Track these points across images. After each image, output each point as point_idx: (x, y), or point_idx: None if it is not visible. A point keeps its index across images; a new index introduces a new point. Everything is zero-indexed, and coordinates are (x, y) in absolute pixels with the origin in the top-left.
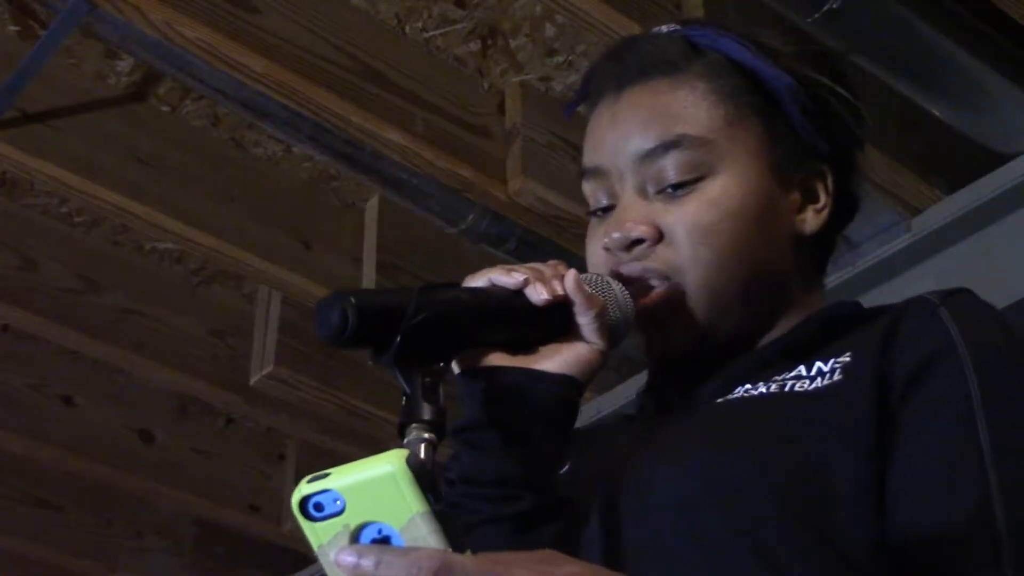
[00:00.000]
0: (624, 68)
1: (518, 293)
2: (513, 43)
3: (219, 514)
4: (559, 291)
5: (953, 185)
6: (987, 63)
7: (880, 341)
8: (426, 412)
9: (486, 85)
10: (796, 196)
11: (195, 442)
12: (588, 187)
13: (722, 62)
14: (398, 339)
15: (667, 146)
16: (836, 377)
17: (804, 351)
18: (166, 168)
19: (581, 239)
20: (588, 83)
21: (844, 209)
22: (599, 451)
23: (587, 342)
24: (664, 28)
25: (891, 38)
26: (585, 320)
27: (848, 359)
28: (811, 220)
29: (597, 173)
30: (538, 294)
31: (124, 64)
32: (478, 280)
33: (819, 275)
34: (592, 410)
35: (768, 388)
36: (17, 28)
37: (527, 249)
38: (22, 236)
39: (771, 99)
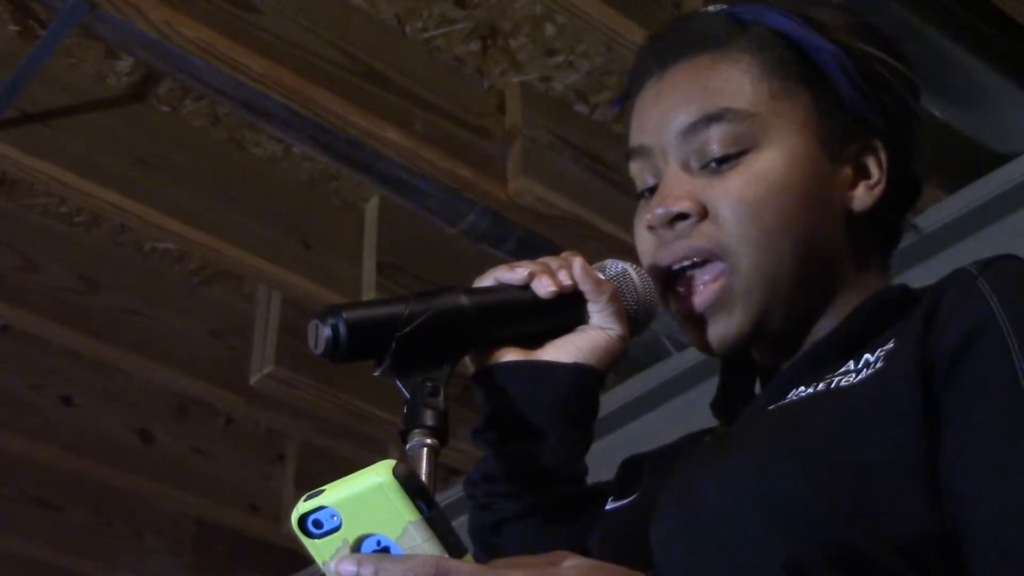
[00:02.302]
0: (668, 47)
1: (526, 288)
2: (513, 43)
3: (219, 514)
4: (566, 282)
5: (953, 185)
6: (987, 63)
7: (921, 321)
8: (428, 418)
9: (486, 85)
10: (848, 172)
11: (195, 442)
12: (634, 168)
13: (767, 35)
14: (392, 349)
15: (710, 119)
16: (879, 365)
17: (854, 345)
18: (166, 168)
19: (581, 239)
20: (634, 70)
21: (903, 188)
22: (669, 469)
23: (602, 329)
24: (710, 8)
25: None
26: (597, 307)
27: (892, 345)
28: (863, 197)
29: (642, 152)
30: (544, 287)
31: (124, 64)
32: (485, 280)
33: (880, 257)
34: None
35: (816, 388)
36: (17, 28)
37: (527, 249)
38: (22, 236)
39: (819, 71)
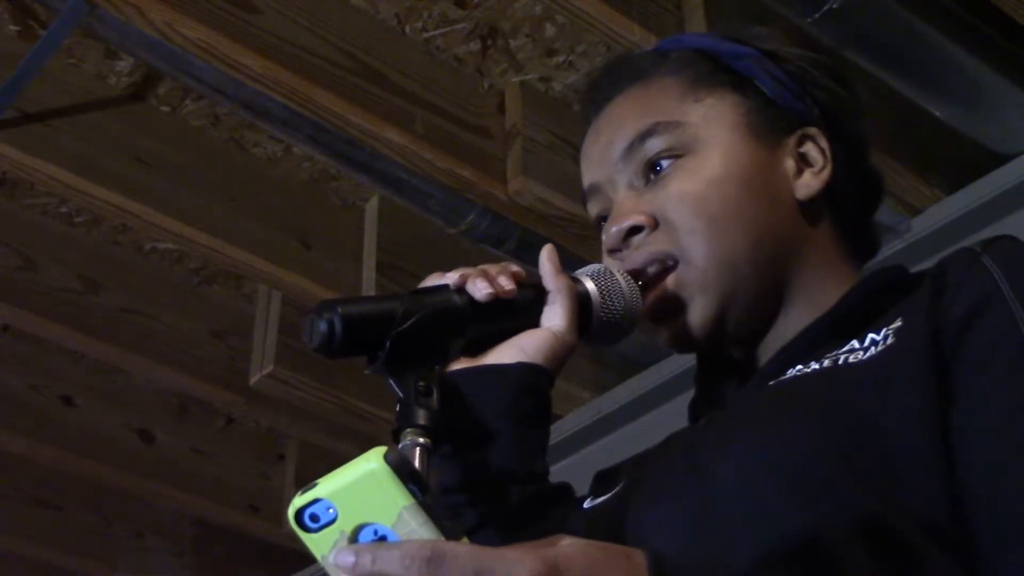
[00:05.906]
0: (599, 90)
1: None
2: (513, 43)
3: (219, 514)
4: (505, 287)
5: (953, 185)
6: (987, 63)
7: (929, 297)
8: (420, 417)
9: (486, 85)
10: (791, 162)
11: (195, 442)
12: (591, 206)
13: (688, 56)
14: (387, 346)
15: (643, 136)
16: (890, 342)
17: (853, 324)
18: (166, 168)
19: (581, 239)
20: (582, 120)
21: (863, 186)
22: (653, 462)
23: (547, 328)
24: (636, 51)
25: (891, 38)
26: (547, 299)
27: (900, 323)
28: (811, 183)
29: (594, 190)
30: (479, 290)
31: (124, 64)
32: (429, 280)
33: (851, 253)
34: (592, 411)
35: (821, 364)
36: (17, 28)
37: (527, 249)
38: (22, 236)
39: (742, 78)
